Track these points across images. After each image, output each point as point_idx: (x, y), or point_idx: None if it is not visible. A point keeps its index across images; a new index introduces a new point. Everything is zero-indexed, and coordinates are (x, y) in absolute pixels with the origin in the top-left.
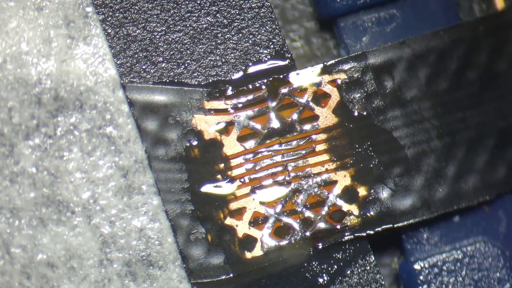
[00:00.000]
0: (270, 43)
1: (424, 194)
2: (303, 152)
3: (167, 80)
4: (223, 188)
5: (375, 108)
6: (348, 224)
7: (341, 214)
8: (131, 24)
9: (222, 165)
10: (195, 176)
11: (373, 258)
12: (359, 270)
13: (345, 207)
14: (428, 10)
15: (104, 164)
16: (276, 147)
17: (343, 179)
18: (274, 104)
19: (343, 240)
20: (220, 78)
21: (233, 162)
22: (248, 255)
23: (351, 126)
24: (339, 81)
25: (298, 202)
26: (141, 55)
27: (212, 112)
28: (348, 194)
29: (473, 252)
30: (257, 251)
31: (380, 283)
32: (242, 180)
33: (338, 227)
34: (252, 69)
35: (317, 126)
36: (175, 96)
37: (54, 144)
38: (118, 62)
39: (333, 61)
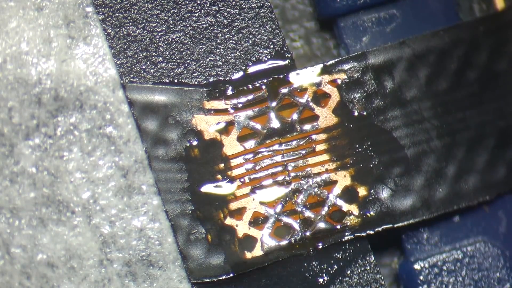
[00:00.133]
0: (270, 43)
1: (424, 194)
2: (303, 152)
3: (167, 80)
4: (223, 188)
5: (375, 108)
6: (348, 224)
7: (341, 214)
8: (131, 24)
9: (222, 165)
10: (195, 176)
11: (373, 258)
12: (359, 270)
13: (345, 207)
14: (428, 10)
15: (104, 164)
16: (276, 147)
17: (343, 179)
18: (274, 104)
19: (343, 240)
20: (220, 78)
21: (233, 162)
22: (248, 255)
23: (351, 126)
24: (339, 81)
25: (298, 202)
26: (141, 55)
27: (212, 112)
28: (348, 194)
29: (473, 252)
30: (257, 251)
31: (380, 283)
32: (242, 180)
33: (338, 227)
34: (252, 69)
35: (317, 126)
36: (175, 96)
37: (54, 144)
38: (118, 62)
39: (333, 61)
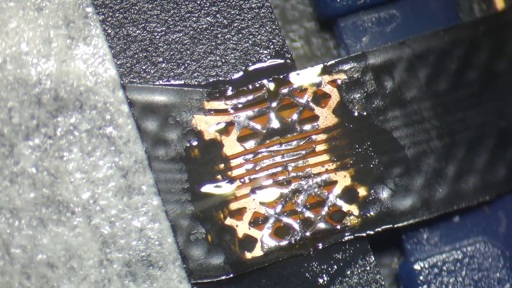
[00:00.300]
0: (270, 43)
1: (424, 194)
2: (303, 152)
3: (167, 81)
4: (223, 188)
5: (375, 108)
6: (348, 224)
7: (341, 214)
8: (131, 25)
9: (222, 165)
10: (195, 176)
11: (373, 258)
12: (359, 271)
13: (345, 207)
14: (428, 10)
15: (104, 165)
16: (276, 147)
17: (343, 179)
18: (274, 104)
19: (343, 240)
20: (220, 78)
21: (233, 162)
22: (248, 255)
23: (351, 126)
24: (339, 81)
25: (298, 203)
26: (141, 55)
27: (212, 112)
28: (348, 195)
29: (473, 252)
30: (257, 251)
31: (380, 284)
32: (242, 180)
33: (338, 227)
34: (252, 70)
35: (317, 127)
36: (175, 97)
37: (54, 144)
38: (118, 63)
39: (333, 61)
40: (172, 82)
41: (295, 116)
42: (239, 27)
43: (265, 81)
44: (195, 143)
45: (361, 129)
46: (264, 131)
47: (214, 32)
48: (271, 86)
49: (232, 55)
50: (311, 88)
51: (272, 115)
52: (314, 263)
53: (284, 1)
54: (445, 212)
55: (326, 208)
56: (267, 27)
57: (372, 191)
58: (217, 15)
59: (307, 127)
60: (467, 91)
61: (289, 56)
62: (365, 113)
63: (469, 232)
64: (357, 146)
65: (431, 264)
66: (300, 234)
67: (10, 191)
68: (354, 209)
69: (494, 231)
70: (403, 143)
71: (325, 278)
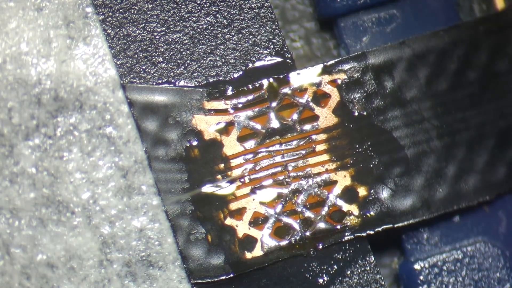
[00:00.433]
0: (270, 43)
1: (424, 194)
2: (303, 152)
3: (167, 81)
4: (223, 188)
5: (375, 108)
6: (348, 224)
7: (341, 214)
8: (131, 25)
9: (222, 165)
10: (195, 176)
11: (373, 258)
12: (359, 271)
13: (345, 207)
14: (428, 10)
15: (104, 165)
16: (276, 147)
17: (343, 179)
18: (274, 104)
19: (343, 240)
20: (220, 78)
21: (233, 162)
22: (248, 255)
23: (351, 126)
24: (339, 81)
25: (298, 202)
26: (141, 55)
27: (212, 112)
28: (348, 194)
29: (473, 252)
30: (257, 251)
31: (380, 283)
32: (242, 180)
33: (338, 227)
34: (252, 69)
35: (317, 126)
36: (175, 96)
37: (54, 144)
38: (118, 63)
39: (333, 61)
40: (172, 82)
41: (295, 116)
42: (239, 27)
43: (265, 81)
44: (195, 143)
45: (361, 129)
46: (264, 131)
47: (214, 32)
48: (271, 86)
49: (232, 55)
50: (311, 88)
51: (272, 115)
52: (314, 263)
53: (284, 1)
54: (445, 212)
55: (326, 208)
56: (267, 27)
57: (372, 191)
58: (217, 15)
59: (307, 127)
60: (467, 91)
61: (289, 56)
62: (365, 113)
63: (469, 232)
64: (357, 146)
65: (431, 264)
66: (300, 234)
67: (10, 191)
68: (354, 209)
69: (494, 231)
70: (403, 143)
71: (325, 278)
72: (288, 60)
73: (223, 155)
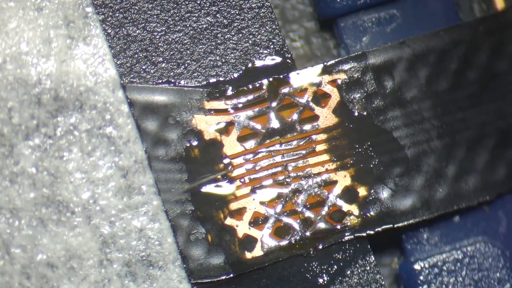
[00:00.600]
0: (270, 43)
1: (424, 194)
2: (303, 152)
3: (167, 80)
4: (223, 188)
5: (375, 108)
6: (348, 224)
7: (341, 214)
8: (131, 24)
9: (222, 165)
10: (195, 176)
11: (373, 258)
12: (359, 270)
13: (345, 207)
14: (428, 10)
15: (104, 164)
16: (276, 147)
17: (343, 179)
18: (274, 104)
19: (343, 240)
20: (220, 78)
21: (233, 162)
22: (248, 255)
23: (351, 126)
24: (339, 81)
25: (298, 202)
26: (141, 55)
27: (212, 112)
28: (348, 194)
29: (473, 252)
30: (257, 251)
31: (380, 283)
32: (242, 180)
33: (338, 227)
34: (252, 69)
35: (317, 126)
36: (175, 96)
37: (54, 144)
38: (118, 62)
39: (333, 61)
40: (172, 82)
41: (295, 116)
42: (239, 27)
43: (265, 81)
44: (195, 143)
45: (361, 129)
46: (264, 131)
47: (214, 32)
48: (271, 86)
49: (232, 55)
50: (311, 88)
51: (272, 115)
52: (314, 263)
53: (284, 1)
54: (445, 212)
55: (326, 208)
56: (267, 27)
57: (372, 191)
58: (217, 15)
59: (307, 127)
60: (467, 91)
61: (289, 56)
62: (365, 113)
63: (469, 232)
64: (357, 146)
65: (431, 264)
66: (300, 234)
67: (10, 191)
68: (354, 209)
69: (494, 231)
70: (403, 143)
71: (325, 278)
72: (288, 60)
73: (223, 155)
